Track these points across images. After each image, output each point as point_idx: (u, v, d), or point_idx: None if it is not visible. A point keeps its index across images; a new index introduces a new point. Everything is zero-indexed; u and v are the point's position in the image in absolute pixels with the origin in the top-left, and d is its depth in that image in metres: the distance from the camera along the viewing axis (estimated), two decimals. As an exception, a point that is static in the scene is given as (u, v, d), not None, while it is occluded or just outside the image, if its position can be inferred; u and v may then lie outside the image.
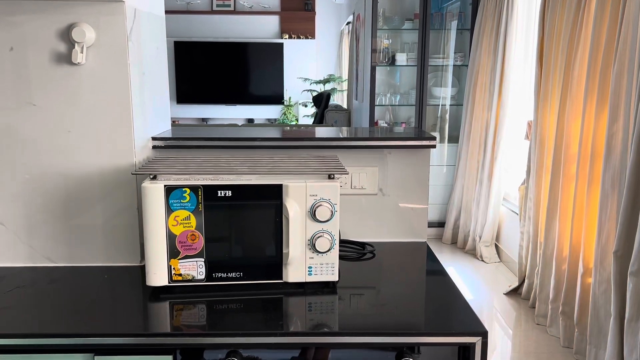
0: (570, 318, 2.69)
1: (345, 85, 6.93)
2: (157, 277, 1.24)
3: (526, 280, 3.24)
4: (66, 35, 1.31)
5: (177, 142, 1.52)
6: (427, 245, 1.60)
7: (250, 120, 7.94)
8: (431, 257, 1.52)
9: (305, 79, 7.33)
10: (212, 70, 7.80)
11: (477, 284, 3.67)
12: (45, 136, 1.36)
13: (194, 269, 1.25)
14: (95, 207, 1.41)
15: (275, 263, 1.26)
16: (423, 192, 1.60)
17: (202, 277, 1.25)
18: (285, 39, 7.72)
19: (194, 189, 1.21)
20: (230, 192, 1.22)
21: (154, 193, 1.20)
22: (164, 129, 1.65)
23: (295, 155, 1.48)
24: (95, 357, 1.09)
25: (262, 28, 7.83)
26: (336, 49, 7.88)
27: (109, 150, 1.38)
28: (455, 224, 4.36)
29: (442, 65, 4.57)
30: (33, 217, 1.40)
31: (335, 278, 1.28)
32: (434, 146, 1.53)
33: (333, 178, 1.26)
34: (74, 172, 1.38)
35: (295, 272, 1.27)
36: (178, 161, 1.38)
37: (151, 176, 1.24)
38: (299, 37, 7.77)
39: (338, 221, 1.26)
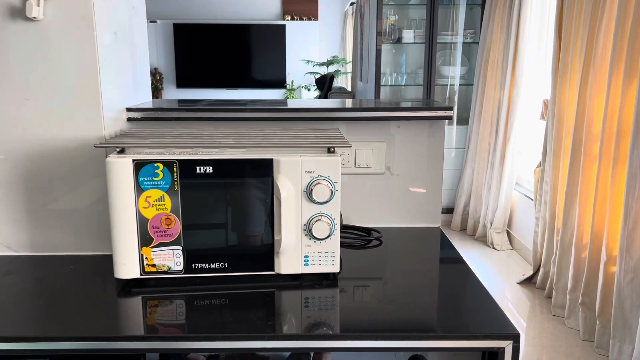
0: (591, 309, 2.51)
1: (349, 68, 6.71)
2: (127, 268, 1.06)
3: (541, 269, 3.05)
4: (20, -15, 1.12)
5: (156, 114, 1.32)
6: (441, 231, 1.41)
7: (252, 105, 7.73)
8: (446, 244, 1.33)
9: (308, 61, 7.10)
10: (212, 54, 7.59)
11: (489, 273, 3.49)
12: None
13: (170, 258, 1.06)
14: (60, 188, 1.22)
15: (266, 252, 1.08)
16: (436, 171, 1.41)
17: (180, 268, 1.07)
18: (288, 20, 7.48)
19: (167, 164, 1.02)
20: (211, 168, 1.03)
21: (121, 169, 1.01)
22: (144, 99, 1.46)
23: (290, 128, 1.28)
24: (49, 365, 0.92)
25: (263, 10, 7.59)
26: (340, 30, 7.63)
27: (73, 122, 1.19)
28: (465, 209, 4.16)
29: (451, 43, 4.34)
30: (-11, 200, 1.22)
31: (335, 269, 1.10)
32: (450, 117, 1.34)
33: (333, 152, 1.07)
34: (34, 147, 1.20)
35: (288, 262, 1.08)
36: (154, 134, 1.19)
37: (118, 149, 1.05)
38: (301, 19, 7.53)
39: (339, 202, 1.07)
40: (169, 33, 7.58)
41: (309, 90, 7.33)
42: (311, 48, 7.51)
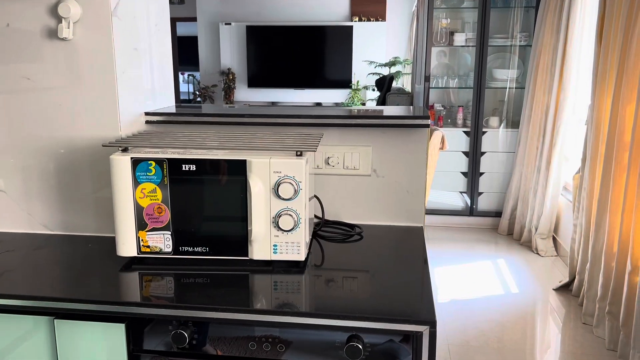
0: (617, 319, 2.47)
1: (410, 69, 6.74)
2: (126, 247, 1.27)
3: (577, 276, 3.02)
4: (55, 11, 1.36)
5: (169, 117, 1.53)
6: (422, 230, 1.52)
7: (318, 104, 7.95)
8: (420, 243, 1.44)
9: (371, 62, 7.21)
10: (282, 54, 7.88)
11: (528, 278, 3.47)
12: (40, 110, 1.43)
13: (161, 241, 1.26)
14: (85, 179, 1.46)
15: (241, 239, 1.25)
16: (420, 174, 1.52)
17: (169, 250, 1.27)
18: (356, 21, 7.62)
19: (159, 162, 1.22)
20: (194, 166, 1.22)
21: (121, 165, 1.22)
22: (166, 104, 1.68)
23: (280, 132, 1.45)
24: (55, 320, 1.14)
25: (332, 11, 7.78)
26: (407, 31, 7.67)
27: (95, 124, 1.42)
28: (512, 214, 4.13)
29: (508, 46, 4.31)
30: (31, 186, 1.48)
31: (301, 257, 1.25)
32: (427, 125, 1.45)
33: (300, 155, 1.22)
34: (66, 145, 1.44)
35: (260, 249, 1.25)
36: (158, 136, 1.39)
37: (121, 148, 1.26)
38: (369, 20, 7.64)
39: (304, 200, 1.22)
40: (242, 35, 7.96)
41: (373, 90, 7.43)
42: (378, 49, 7.60)
